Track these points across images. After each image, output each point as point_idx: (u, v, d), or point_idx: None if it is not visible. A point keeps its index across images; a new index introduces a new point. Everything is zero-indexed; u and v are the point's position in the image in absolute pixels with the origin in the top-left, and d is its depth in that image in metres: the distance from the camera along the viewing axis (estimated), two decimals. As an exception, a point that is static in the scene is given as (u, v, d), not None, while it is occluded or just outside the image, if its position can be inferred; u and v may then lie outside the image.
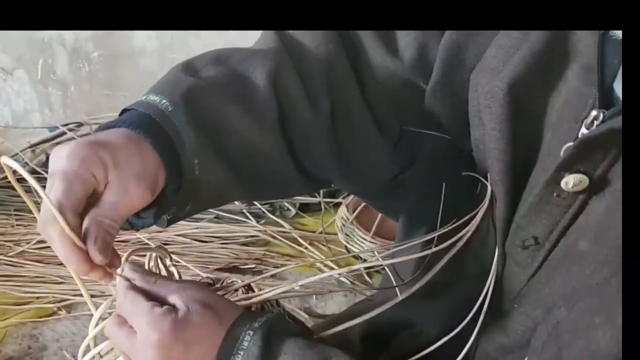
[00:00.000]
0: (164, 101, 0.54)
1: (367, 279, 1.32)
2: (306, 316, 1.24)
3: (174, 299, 0.51)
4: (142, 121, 0.53)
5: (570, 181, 0.46)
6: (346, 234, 1.39)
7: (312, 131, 0.63)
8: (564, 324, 0.46)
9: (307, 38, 0.63)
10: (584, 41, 0.50)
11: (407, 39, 0.64)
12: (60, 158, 0.50)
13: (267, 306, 0.57)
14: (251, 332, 0.49)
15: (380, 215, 1.33)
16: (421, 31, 0.63)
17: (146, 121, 0.53)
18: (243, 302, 0.56)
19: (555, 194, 0.48)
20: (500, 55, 0.55)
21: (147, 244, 1.30)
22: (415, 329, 0.60)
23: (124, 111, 0.57)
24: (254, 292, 0.58)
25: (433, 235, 0.57)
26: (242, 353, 0.49)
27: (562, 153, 0.48)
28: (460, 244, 0.54)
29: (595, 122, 0.47)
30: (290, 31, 0.64)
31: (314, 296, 1.23)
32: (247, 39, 1.89)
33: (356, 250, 1.35)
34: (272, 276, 1.21)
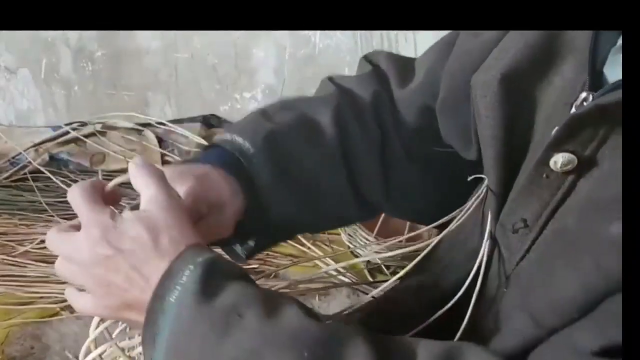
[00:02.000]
0: (247, 144, 0.64)
1: (369, 278, 1.31)
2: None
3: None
4: (225, 161, 0.63)
5: (559, 160, 0.47)
6: (349, 234, 1.38)
7: (367, 160, 0.71)
8: (533, 278, 0.48)
9: (354, 84, 0.74)
10: (579, 38, 0.51)
11: (419, 71, 0.73)
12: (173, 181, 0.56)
13: None
14: (192, 267, 0.48)
15: (383, 214, 1.32)
16: (430, 58, 0.72)
17: (229, 159, 0.63)
18: None
19: (545, 175, 0.49)
20: (498, 53, 0.57)
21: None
22: (410, 317, 0.60)
23: (211, 145, 0.67)
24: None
25: (426, 228, 0.60)
26: (179, 288, 0.47)
27: (552, 135, 0.49)
28: (447, 230, 0.58)
29: (585, 104, 0.48)
30: (339, 80, 0.75)
31: (317, 296, 1.23)
32: (251, 38, 1.89)
33: (359, 251, 1.34)
34: (275, 276, 1.20)
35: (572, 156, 0.47)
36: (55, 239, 0.53)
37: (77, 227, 0.53)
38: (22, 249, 1.30)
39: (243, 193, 0.62)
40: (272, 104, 0.73)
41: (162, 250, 0.49)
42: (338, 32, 1.74)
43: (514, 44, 0.56)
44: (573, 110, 0.48)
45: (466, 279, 0.55)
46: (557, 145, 0.47)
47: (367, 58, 0.78)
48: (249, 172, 0.63)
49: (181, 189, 0.57)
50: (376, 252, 0.59)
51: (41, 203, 1.48)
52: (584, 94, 0.48)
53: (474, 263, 0.55)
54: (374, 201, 0.73)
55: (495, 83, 0.54)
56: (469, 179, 0.61)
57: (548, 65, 0.53)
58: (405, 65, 0.75)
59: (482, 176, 0.58)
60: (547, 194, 0.49)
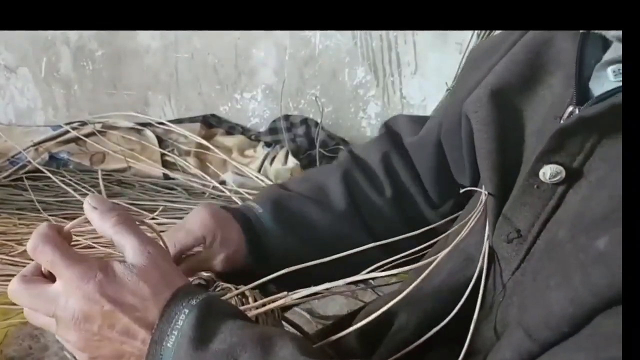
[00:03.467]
0: (257, 206, 0.74)
1: (371, 281, 1.31)
2: (308, 316, 1.24)
3: (126, 246, 0.51)
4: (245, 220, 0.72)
5: (548, 172, 0.48)
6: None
7: (382, 210, 0.76)
8: (527, 290, 0.48)
9: (365, 149, 0.81)
10: (565, 53, 0.53)
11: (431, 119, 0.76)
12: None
13: (262, 318, 0.57)
14: (187, 311, 0.48)
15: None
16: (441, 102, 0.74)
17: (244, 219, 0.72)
18: (255, 311, 0.56)
19: (535, 186, 0.50)
20: (488, 73, 0.59)
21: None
22: (407, 325, 0.60)
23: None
24: (249, 300, 0.59)
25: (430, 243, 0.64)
26: (175, 333, 0.47)
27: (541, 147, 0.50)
28: (450, 246, 0.57)
29: (572, 117, 0.49)
30: (354, 148, 0.82)
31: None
32: (251, 38, 1.88)
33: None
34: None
35: (560, 167, 0.48)
36: (23, 292, 0.50)
37: (41, 274, 0.51)
38: (21, 248, 1.30)
39: (245, 238, 0.70)
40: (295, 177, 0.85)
41: (160, 298, 0.49)
42: (338, 33, 1.74)
43: (503, 61, 0.58)
44: (561, 123, 0.50)
45: (463, 287, 0.55)
46: (545, 157, 0.49)
47: (386, 123, 0.84)
48: (256, 226, 0.72)
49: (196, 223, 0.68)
50: (380, 270, 0.60)
51: (41, 202, 1.48)
52: (570, 108, 0.50)
53: (471, 271, 0.56)
54: (404, 247, 0.75)
55: (485, 99, 0.56)
56: (462, 190, 0.62)
57: (536, 80, 0.55)
58: (418, 120, 0.80)
59: (481, 190, 0.59)
60: (538, 204, 0.50)
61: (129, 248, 0.51)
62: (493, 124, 0.55)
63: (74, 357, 0.53)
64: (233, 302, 0.57)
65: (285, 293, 0.59)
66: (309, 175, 0.83)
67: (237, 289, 0.60)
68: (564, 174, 0.48)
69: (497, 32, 0.74)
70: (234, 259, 0.69)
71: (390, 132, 0.81)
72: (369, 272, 0.60)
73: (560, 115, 0.51)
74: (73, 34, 1.82)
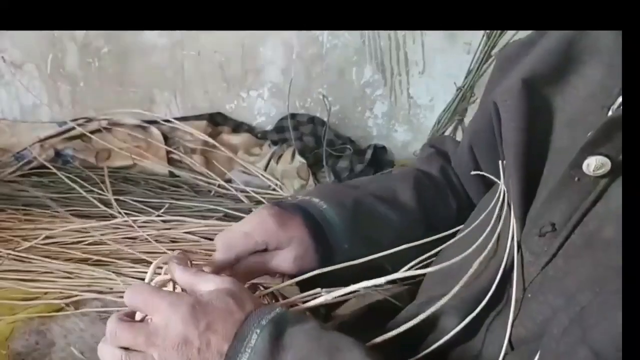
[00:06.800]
0: (320, 201, 0.73)
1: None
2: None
3: (202, 286, 0.56)
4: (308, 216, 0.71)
5: (592, 163, 0.47)
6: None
7: (447, 219, 0.77)
8: (590, 307, 0.45)
9: (425, 165, 0.83)
10: (603, 40, 0.52)
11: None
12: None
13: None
14: (258, 331, 0.50)
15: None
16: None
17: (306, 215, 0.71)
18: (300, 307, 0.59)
19: (576, 179, 0.49)
20: (517, 66, 0.59)
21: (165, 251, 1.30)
22: (435, 322, 0.59)
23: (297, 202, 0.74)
24: (279, 299, 0.61)
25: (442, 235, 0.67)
26: (249, 351, 0.50)
27: (587, 137, 0.48)
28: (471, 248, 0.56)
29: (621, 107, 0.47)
30: (416, 163, 0.85)
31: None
32: (258, 36, 1.88)
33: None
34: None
35: (605, 159, 0.46)
36: (126, 329, 0.54)
37: (130, 316, 0.57)
38: (27, 244, 1.29)
39: (310, 233, 0.70)
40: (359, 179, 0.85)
41: (237, 319, 0.53)
42: (346, 32, 1.74)
43: (535, 52, 0.57)
44: (610, 113, 0.48)
45: (483, 281, 0.54)
46: (590, 148, 0.47)
47: (431, 144, 0.87)
48: (321, 222, 0.71)
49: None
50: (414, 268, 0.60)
51: (46, 198, 1.48)
52: (620, 99, 0.48)
53: (491, 266, 0.55)
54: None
55: (516, 88, 0.55)
56: (477, 174, 0.62)
57: (569, 70, 0.54)
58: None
59: (497, 181, 0.58)
60: (577, 197, 0.49)
61: (206, 281, 0.57)
62: (522, 114, 0.54)
63: (81, 354, 0.55)
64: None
65: (319, 290, 0.60)
66: (375, 177, 0.86)
67: (266, 288, 0.62)
68: (609, 166, 0.46)
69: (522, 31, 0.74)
70: (303, 258, 0.68)
71: (438, 151, 0.83)
72: (404, 271, 0.60)
73: (609, 105, 0.49)
74: (79, 31, 1.82)
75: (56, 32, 1.82)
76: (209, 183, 1.63)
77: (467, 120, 1.68)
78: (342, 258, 0.67)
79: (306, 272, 0.66)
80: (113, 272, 1.21)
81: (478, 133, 0.68)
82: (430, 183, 0.79)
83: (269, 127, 1.86)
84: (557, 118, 0.54)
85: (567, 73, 0.54)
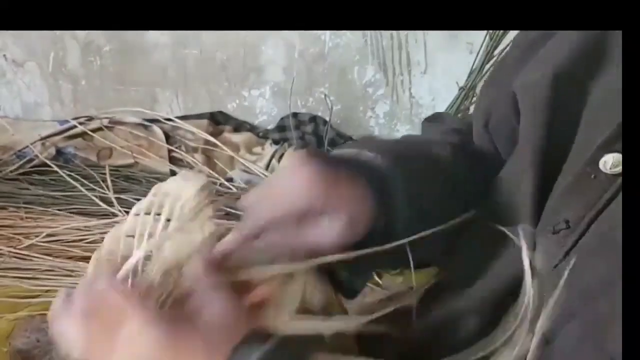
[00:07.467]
0: (366, 151, 0.57)
1: (377, 279, 1.30)
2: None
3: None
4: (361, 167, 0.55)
5: (609, 161, 0.46)
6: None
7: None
8: (609, 315, 0.44)
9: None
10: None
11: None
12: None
13: None
14: None
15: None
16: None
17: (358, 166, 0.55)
18: None
19: (592, 176, 0.48)
20: (545, 54, 0.55)
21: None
22: (456, 321, 0.59)
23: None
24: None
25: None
26: None
27: (605, 135, 0.47)
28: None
29: None
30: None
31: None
32: (260, 35, 1.88)
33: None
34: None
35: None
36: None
37: None
38: (28, 242, 1.29)
39: (370, 188, 0.53)
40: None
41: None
42: (348, 32, 1.74)
43: (565, 44, 0.54)
44: None
45: (492, 279, 0.54)
46: (608, 145, 0.46)
47: (429, 118, 0.75)
48: (376, 174, 0.55)
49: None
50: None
51: (47, 197, 1.48)
52: None
53: (501, 264, 0.54)
54: None
55: (545, 82, 0.52)
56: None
57: (599, 65, 0.52)
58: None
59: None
60: (593, 195, 0.48)
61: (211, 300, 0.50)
62: (546, 108, 0.52)
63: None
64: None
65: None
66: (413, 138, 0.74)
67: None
68: None
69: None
70: (358, 222, 0.51)
71: (451, 129, 0.71)
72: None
73: None
74: (81, 30, 1.82)
75: (58, 31, 1.82)
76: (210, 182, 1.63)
77: (469, 120, 1.68)
78: (403, 217, 0.54)
79: (347, 251, 0.51)
80: (114, 270, 1.21)
81: (502, 123, 0.62)
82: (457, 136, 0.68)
83: (270, 126, 1.86)
84: (583, 113, 0.52)
85: (598, 68, 0.52)
